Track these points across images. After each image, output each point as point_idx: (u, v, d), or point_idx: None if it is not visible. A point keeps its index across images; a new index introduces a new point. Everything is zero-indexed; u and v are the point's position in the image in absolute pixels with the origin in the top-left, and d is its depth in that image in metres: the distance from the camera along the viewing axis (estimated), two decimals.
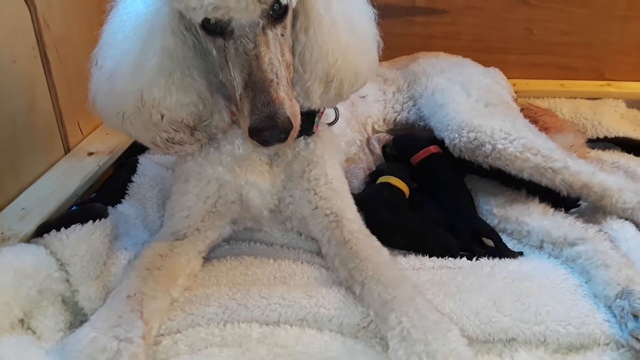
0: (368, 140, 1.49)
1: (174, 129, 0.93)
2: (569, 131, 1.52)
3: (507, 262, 1.12)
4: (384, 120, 1.52)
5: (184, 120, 0.92)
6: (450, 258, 1.14)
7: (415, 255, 1.16)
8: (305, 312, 0.94)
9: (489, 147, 1.23)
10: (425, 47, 1.71)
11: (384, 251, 1.03)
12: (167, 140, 0.94)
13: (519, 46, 1.86)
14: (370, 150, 1.47)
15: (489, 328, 0.92)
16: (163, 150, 0.97)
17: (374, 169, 1.40)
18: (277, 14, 0.82)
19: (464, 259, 1.14)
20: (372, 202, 1.18)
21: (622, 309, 0.93)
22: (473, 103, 1.37)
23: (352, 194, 1.15)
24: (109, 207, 1.17)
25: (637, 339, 0.89)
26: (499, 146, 1.22)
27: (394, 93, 1.54)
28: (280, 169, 1.07)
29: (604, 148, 1.61)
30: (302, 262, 1.11)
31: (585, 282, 1.04)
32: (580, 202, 1.29)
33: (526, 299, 0.96)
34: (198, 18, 0.80)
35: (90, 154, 1.35)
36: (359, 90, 1.07)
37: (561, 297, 0.98)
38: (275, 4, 0.81)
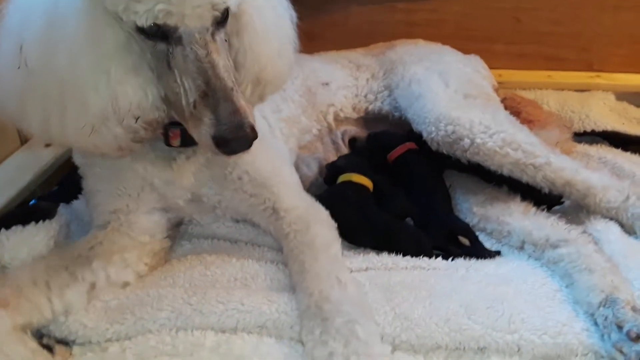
0: (330, 130, 1.43)
1: (145, 128, 0.86)
2: (554, 126, 1.45)
3: (484, 263, 1.06)
4: (354, 108, 1.44)
5: (157, 118, 0.86)
6: (424, 258, 1.08)
7: (389, 254, 1.09)
8: (265, 319, 0.88)
9: (467, 141, 1.17)
10: (407, 35, 1.63)
11: (326, 248, 0.96)
12: (134, 141, 0.87)
13: (505, 35, 1.79)
14: (332, 140, 1.41)
15: (459, 336, 0.87)
16: (123, 154, 0.90)
17: (332, 159, 1.34)
18: (221, 19, 0.80)
19: (439, 259, 1.08)
20: (335, 203, 1.12)
21: (606, 318, 0.87)
22: (451, 94, 1.31)
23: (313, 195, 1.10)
24: (63, 204, 1.09)
25: (620, 351, 0.83)
26: (478, 140, 1.16)
27: (367, 80, 1.47)
28: (194, 167, 1.01)
29: (591, 142, 1.54)
30: (266, 262, 1.05)
31: (567, 287, 0.98)
32: (563, 200, 1.23)
33: (500, 306, 0.90)
34: (142, 23, 0.75)
35: (48, 145, 1.28)
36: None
37: (538, 304, 0.93)
38: (222, 11, 0.79)
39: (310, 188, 1.27)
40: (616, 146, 1.51)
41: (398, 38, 1.61)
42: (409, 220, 1.22)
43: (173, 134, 0.90)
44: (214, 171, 1.02)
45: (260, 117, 1.13)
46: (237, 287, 0.97)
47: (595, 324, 0.89)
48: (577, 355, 0.86)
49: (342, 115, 1.45)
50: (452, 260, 1.08)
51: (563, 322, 0.89)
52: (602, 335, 0.87)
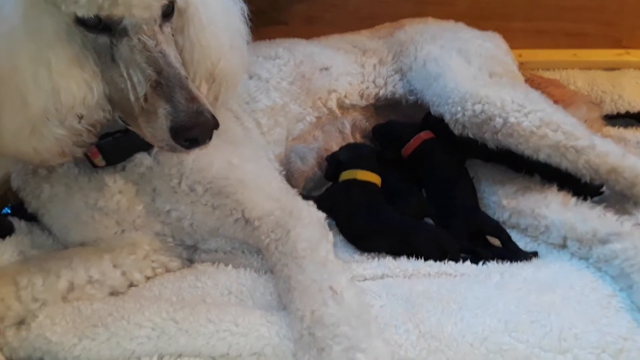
0: (334, 118, 1.28)
1: (89, 130, 0.78)
2: (580, 103, 1.31)
3: (520, 267, 0.91)
4: (362, 95, 1.30)
5: (102, 120, 0.79)
6: (450, 262, 0.92)
7: (408, 258, 0.94)
8: (263, 344, 0.73)
9: (499, 120, 1.03)
10: (416, 14, 1.47)
11: (312, 253, 0.83)
12: (77, 145, 0.79)
13: (523, 11, 1.63)
14: (338, 129, 1.27)
15: (500, 358, 0.71)
16: (65, 160, 0.82)
17: (335, 149, 1.19)
18: (168, 11, 0.77)
19: (467, 263, 0.92)
20: (340, 207, 0.99)
21: None
22: (475, 72, 1.17)
23: (311, 196, 0.98)
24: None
25: None
26: (512, 119, 1.02)
27: (374, 66, 1.32)
28: (128, 185, 0.90)
29: (625, 125, 1.41)
30: (265, 272, 0.90)
31: (622, 290, 0.83)
32: (603, 190, 1.07)
33: (547, 319, 0.75)
34: (84, 13, 0.70)
35: None
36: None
37: (591, 314, 0.77)
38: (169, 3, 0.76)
39: (307, 184, 1.14)
40: None
41: (405, 18, 1.45)
42: (427, 220, 1.07)
43: (91, 152, 0.83)
44: (156, 184, 0.90)
45: (223, 109, 0.99)
46: (230, 303, 0.82)
47: None
48: None
49: (347, 102, 1.30)
50: (483, 264, 0.92)
51: (624, 335, 0.74)
52: None
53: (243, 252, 0.97)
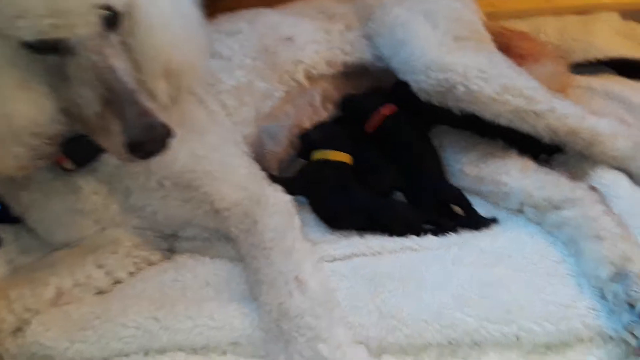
0: (304, 90, 1.27)
1: (48, 143, 0.79)
2: (547, 59, 1.29)
3: (478, 238, 0.96)
4: (329, 63, 1.27)
5: (60, 132, 0.80)
6: (413, 236, 0.98)
7: (376, 235, 1.00)
8: (237, 335, 0.80)
9: (461, 89, 1.05)
10: None
11: (278, 242, 0.87)
12: (37, 158, 0.79)
13: None
14: (308, 102, 1.27)
15: (452, 332, 0.79)
16: (28, 171, 0.82)
17: (307, 125, 1.21)
18: (112, 21, 0.76)
19: (429, 236, 0.98)
20: (313, 188, 1.02)
21: (616, 296, 0.78)
22: (440, 37, 1.16)
23: (283, 177, 1.00)
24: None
25: (632, 333, 0.75)
26: (474, 87, 1.03)
27: (341, 32, 1.30)
28: (99, 185, 0.93)
29: (595, 72, 1.41)
30: (240, 261, 0.96)
31: (571, 256, 0.88)
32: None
33: (495, 292, 0.82)
34: (28, 38, 0.70)
35: None
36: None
37: (538, 283, 0.83)
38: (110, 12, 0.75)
39: (281, 165, 1.16)
40: (623, 75, 1.38)
41: None
42: (400, 195, 1.11)
43: (59, 158, 0.85)
44: (127, 183, 0.93)
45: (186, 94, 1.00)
46: (209, 297, 0.88)
47: (604, 300, 0.80)
48: (582, 341, 0.78)
49: (315, 72, 1.27)
50: (444, 235, 0.97)
51: (566, 303, 0.80)
52: (613, 315, 0.77)
53: (219, 239, 1.01)
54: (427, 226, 1.01)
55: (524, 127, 1.05)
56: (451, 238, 0.97)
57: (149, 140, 0.72)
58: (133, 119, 0.71)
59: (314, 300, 0.79)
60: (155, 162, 0.86)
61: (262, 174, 1.01)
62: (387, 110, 1.18)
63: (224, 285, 0.91)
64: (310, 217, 1.06)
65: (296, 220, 0.93)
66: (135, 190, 0.93)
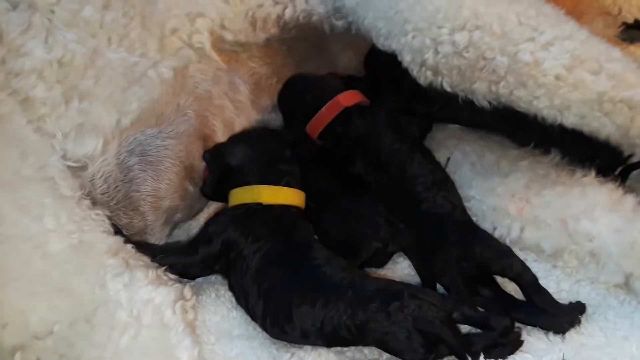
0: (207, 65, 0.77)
1: None
2: (592, 15, 0.95)
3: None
4: (253, 22, 0.78)
5: None
6: None
7: None
8: None
9: (501, 60, 0.64)
10: None
11: None
12: None
13: None
14: (224, 92, 0.77)
15: None
16: None
17: (218, 136, 0.72)
18: None
19: None
20: (235, 266, 0.59)
21: None
22: None
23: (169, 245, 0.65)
24: None
25: None
26: (525, 56, 0.63)
27: None
28: None
29: (631, 40, 1.02)
30: None
31: None
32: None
33: None
34: None
35: None
36: None
37: None
38: None
39: (170, 216, 0.68)
40: None
41: None
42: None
43: None
44: None
45: None
46: None
47: None
48: None
49: (230, 37, 0.78)
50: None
51: None
52: None
53: None
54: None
55: (606, 128, 0.62)
56: None
57: None
58: None
59: None
60: None
61: (114, 243, 0.59)
62: (349, 98, 0.73)
63: None
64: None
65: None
66: None
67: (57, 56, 0.63)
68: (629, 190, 0.68)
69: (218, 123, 0.76)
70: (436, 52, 0.67)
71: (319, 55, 0.85)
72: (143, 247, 0.60)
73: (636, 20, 1.10)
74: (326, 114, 0.74)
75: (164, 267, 0.59)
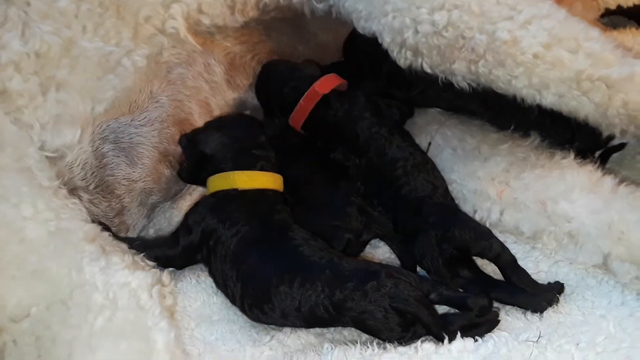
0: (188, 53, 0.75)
1: None
2: (574, 1, 0.93)
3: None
4: (232, 6, 0.76)
5: None
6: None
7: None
8: None
9: (480, 38, 0.63)
10: None
11: None
12: None
13: None
14: (199, 73, 0.76)
15: None
16: None
17: (196, 121, 0.72)
18: None
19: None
20: (214, 252, 0.58)
21: None
22: None
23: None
24: None
25: None
26: (503, 35, 0.62)
27: None
28: None
29: (613, 25, 1.03)
30: None
31: None
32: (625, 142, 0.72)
33: None
34: None
35: None
36: None
37: None
38: None
39: (145, 200, 0.67)
40: None
41: None
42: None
43: None
44: None
45: None
46: None
47: None
48: None
49: (206, 21, 0.76)
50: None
51: None
52: None
53: None
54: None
55: (585, 108, 0.62)
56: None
57: None
58: None
59: None
60: None
61: (90, 230, 0.58)
62: (325, 84, 0.71)
63: None
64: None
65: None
66: None
67: (34, 48, 0.62)
68: (608, 172, 0.69)
69: (194, 105, 0.75)
70: (416, 31, 0.66)
71: (296, 31, 0.83)
72: (122, 238, 0.60)
73: (619, 6, 1.11)
74: (305, 105, 0.73)
75: (142, 253, 0.59)
